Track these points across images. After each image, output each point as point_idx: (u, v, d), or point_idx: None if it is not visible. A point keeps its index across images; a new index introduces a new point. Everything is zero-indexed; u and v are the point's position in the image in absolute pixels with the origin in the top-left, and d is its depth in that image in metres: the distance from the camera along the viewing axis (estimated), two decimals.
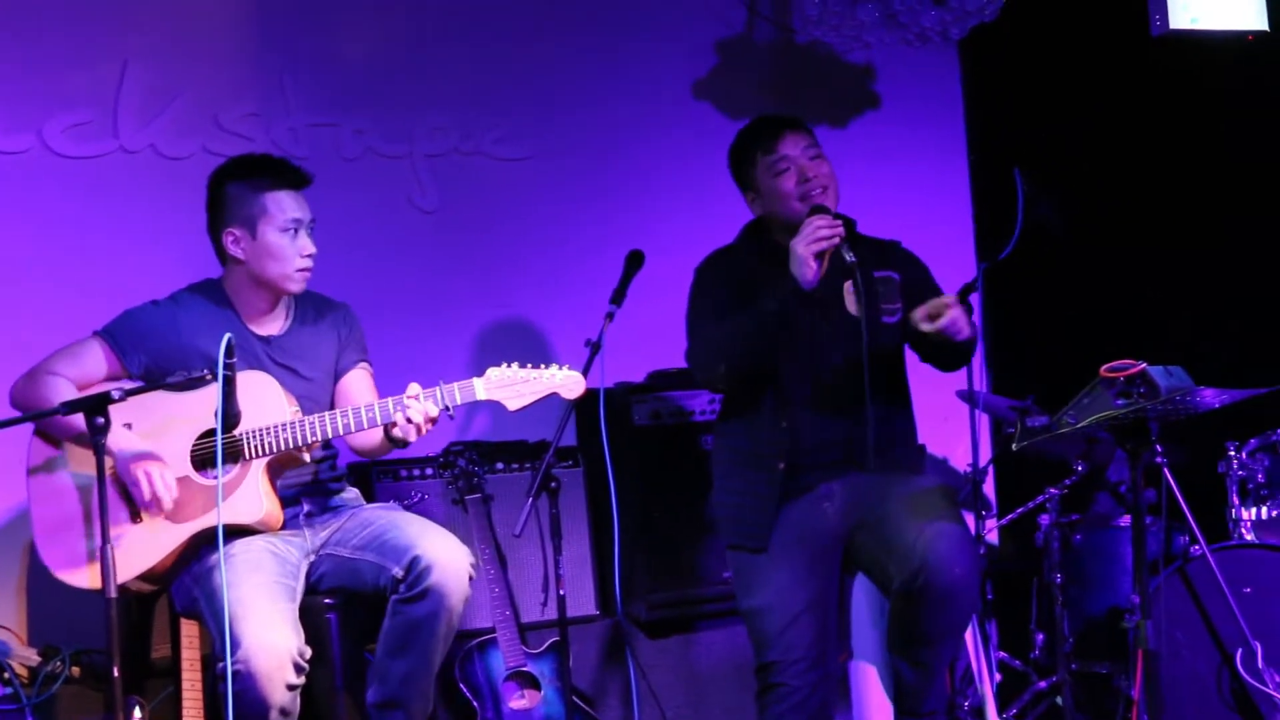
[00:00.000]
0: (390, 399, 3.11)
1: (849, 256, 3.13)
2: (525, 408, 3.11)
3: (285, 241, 3.21)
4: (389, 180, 4.33)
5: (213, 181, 3.29)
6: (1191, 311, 4.46)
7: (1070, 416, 2.90)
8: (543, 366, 3.13)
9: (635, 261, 3.61)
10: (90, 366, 3.20)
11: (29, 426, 3.16)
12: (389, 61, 4.35)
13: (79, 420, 2.88)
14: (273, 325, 3.32)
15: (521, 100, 4.46)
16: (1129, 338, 3.33)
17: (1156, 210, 4.57)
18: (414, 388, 3.09)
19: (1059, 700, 3.86)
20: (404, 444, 3.14)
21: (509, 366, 3.11)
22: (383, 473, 3.91)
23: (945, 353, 3.30)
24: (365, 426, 3.11)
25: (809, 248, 3.10)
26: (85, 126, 4.00)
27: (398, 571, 3.09)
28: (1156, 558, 3.71)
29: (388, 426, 3.12)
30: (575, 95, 4.53)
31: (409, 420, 3.06)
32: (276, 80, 4.21)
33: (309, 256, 3.23)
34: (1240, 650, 3.63)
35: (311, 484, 3.31)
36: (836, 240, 3.11)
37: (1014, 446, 3.06)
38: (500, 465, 4.00)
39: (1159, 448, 3.54)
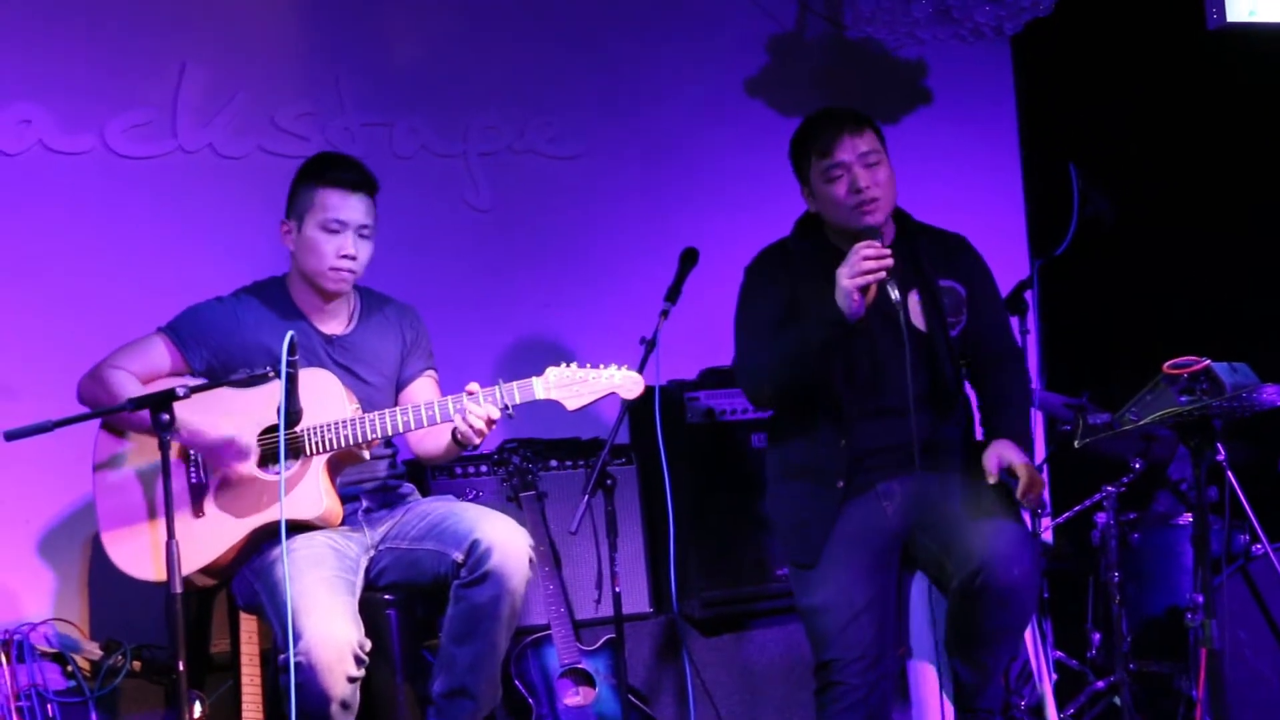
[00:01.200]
0: (450, 398, 3.12)
1: (894, 294, 3.07)
2: (584, 408, 3.12)
3: (324, 238, 3.23)
4: (442, 179, 4.36)
5: (293, 179, 3.34)
6: (1249, 308, 4.40)
7: (1133, 414, 2.87)
8: (601, 366, 3.13)
9: (690, 259, 3.60)
10: (154, 362, 3.24)
11: (94, 422, 3.20)
12: (442, 60, 4.37)
13: (146, 414, 2.92)
14: (336, 324, 3.34)
15: (574, 98, 4.47)
16: (1184, 335, 3.30)
17: (1214, 206, 4.52)
18: (473, 386, 3.10)
19: (1117, 700, 3.83)
20: (470, 445, 3.15)
21: (568, 366, 3.11)
22: (437, 470, 3.93)
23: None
24: (425, 425, 3.12)
25: (853, 281, 3.02)
26: (145, 127, 4.05)
27: (458, 556, 3.10)
28: (1218, 557, 3.67)
29: (453, 430, 3.13)
30: (627, 93, 4.54)
31: (469, 426, 3.07)
32: (332, 80, 4.24)
33: (346, 258, 3.23)
34: None
35: (371, 481, 3.33)
36: (883, 274, 3.04)
37: (1076, 444, 3.04)
38: (554, 463, 4.01)
39: (1220, 446, 3.50)
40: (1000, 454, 3.16)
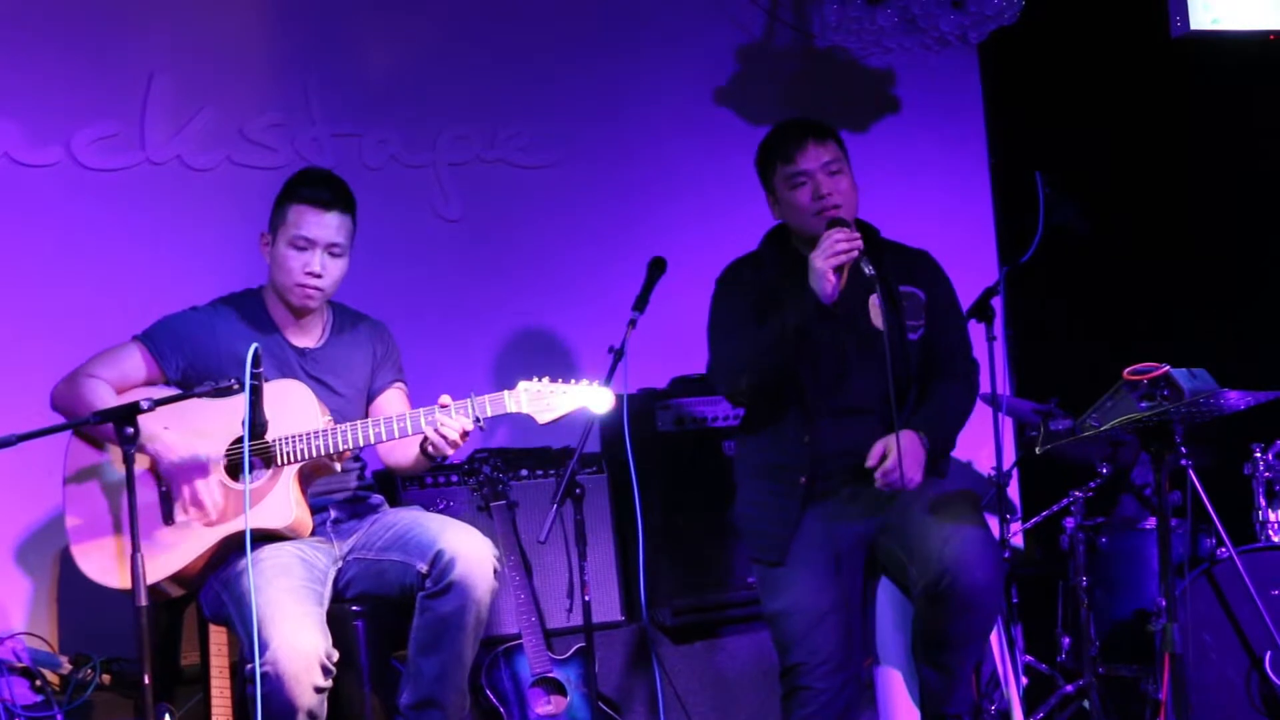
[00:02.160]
0: (422, 410, 3.14)
1: (868, 270, 3.12)
2: (554, 421, 3.14)
3: (292, 255, 3.25)
4: (413, 189, 4.36)
5: None
6: (1215, 313, 4.44)
7: (1093, 419, 2.90)
8: (573, 381, 3.16)
9: (658, 268, 3.62)
10: (128, 370, 3.25)
11: (63, 433, 3.18)
12: (412, 71, 4.38)
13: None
14: (309, 338, 3.36)
15: (544, 108, 4.48)
16: (1152, 340, 3.34)
17: (1178, 212, 4.56)
18: (445, 399, 3.11)
19: (1085, 704, 3.85)
20: (439, 459, 3.17)
21: (539, 380, 3.14)
22: (408, 480, 3.93)
23: None
24: (396, 436, 3.14)
25: (827, 261, 3.10)
26: (112, 139, 4.04)
27: (422, 567, 3.12)
28: (1183, 560, 3.70)
29: (422, 443, 3.14)
30: (597, 103, 4.55)
31: (442, 437, 3.09)
32: (300, 91, 4.24)
33: (310, 275, 3.25)
34: (1269, 653, 3.63)
35: (340, 492, 3.34)
36: (855, 253, 3.11)
37: (1037, 449, 3.07)
38: (524, 472, 4.01)
39: (1184, 450, 3.53)
40: (887, 442, 3.15)
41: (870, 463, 3.15)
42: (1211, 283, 4.47)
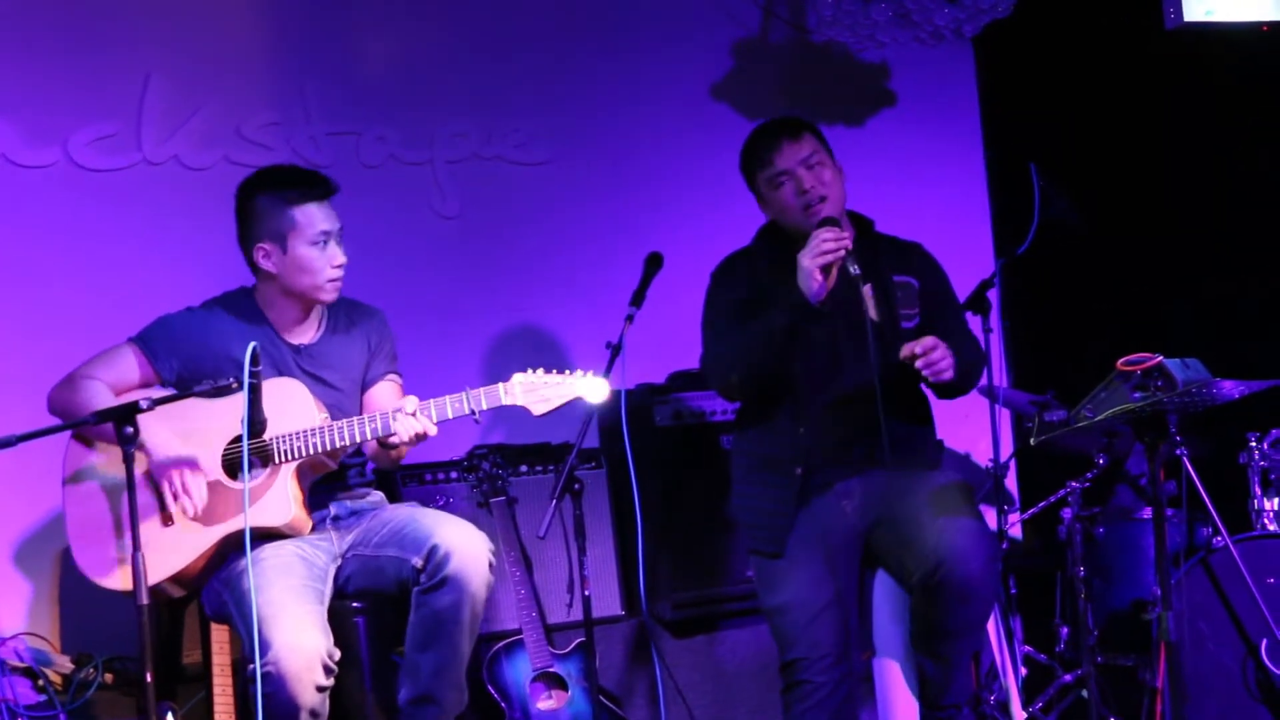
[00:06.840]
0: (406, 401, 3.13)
1: (854, 269, 3.14)
2: (550, 413, 3.15)
3: (315, 254, 3.24)
4: (410, 187, 4.37)
5: (240, 195, 3.31)
6: (1210, 304, 4.45)
7: (1088, 410, 2.91)
8: (567, 372, 3.16)
9: (654, 263, 3.63)
10: (124, 372, 3.25)
11: (63, 434, 3.20)
12: (409, 69, 4.39)
13: (111, 426, 2.93)
14: (304, 334, 3.36)
15: (541, 105, 4.49)
16: (1148, 331, 3.34)
17: (1174, 203, 4.57)
18: (411, 402, 3.10)
19: (1084, 693, 3.87)
20: (395, 448, 3.17)
21: (534, 372, 3.14)
22: (408, 477, 3.95)
23: (934, 386, 3.33)
24: (394, 430, 3.13)
25: (814, 261, 3.12)
26: (109, 139, 4.06)
27: (417, 562, 3.13)
28: (1179, 549, 3.71)
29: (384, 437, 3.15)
30: (594, 99, 4.56)
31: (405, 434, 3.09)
32: (297, 89, 4.25)
33: (339, 267, 3.27)
34: (1265, 641, 3.64)
35: (339, 488, 3.35)
36: (842, 253, 3.13)
37: (1032, 441, 3.07)
38: (524, 468, 4.02)
39: (1179, 439, 3.54)
40: (925, 340, 3.16)
41: (911, 351, 3.13)
42: (1207, 272, 4.48)
